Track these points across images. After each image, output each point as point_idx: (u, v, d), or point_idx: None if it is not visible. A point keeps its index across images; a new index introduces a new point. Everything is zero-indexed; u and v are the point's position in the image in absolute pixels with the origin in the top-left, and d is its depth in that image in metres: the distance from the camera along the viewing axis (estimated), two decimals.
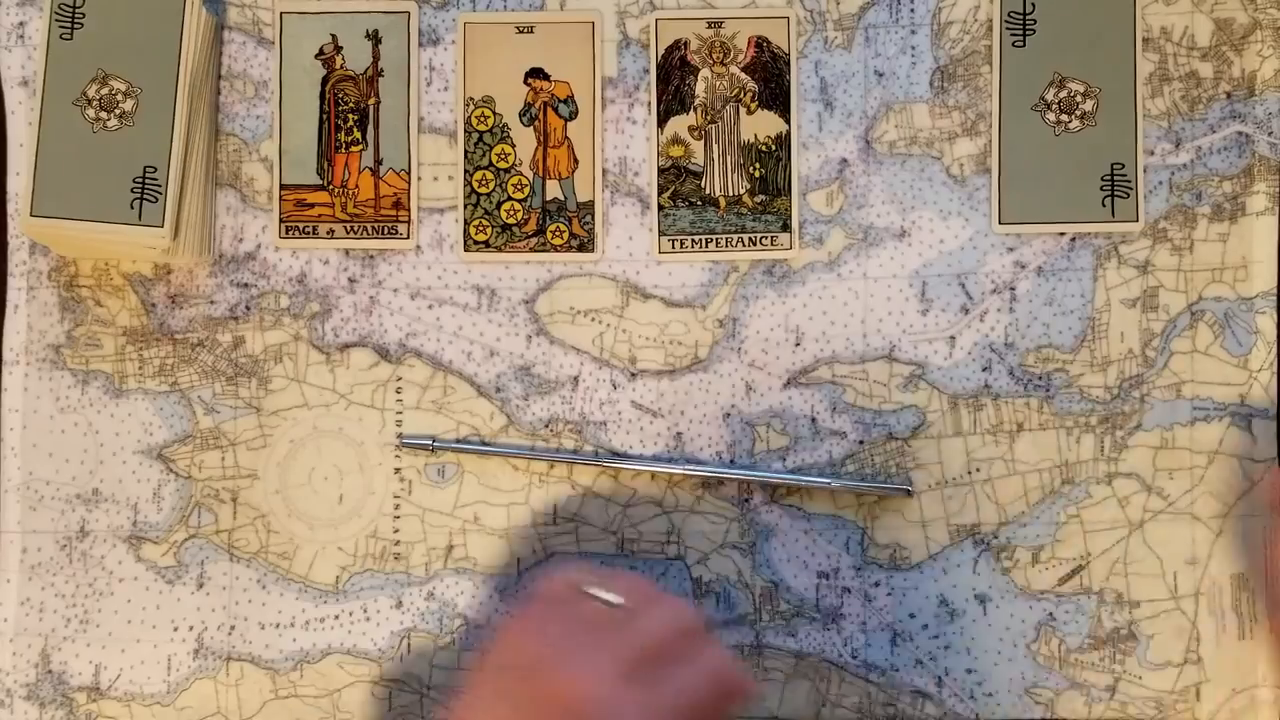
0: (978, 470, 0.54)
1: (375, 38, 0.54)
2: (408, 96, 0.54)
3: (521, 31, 0.54)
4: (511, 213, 0.54)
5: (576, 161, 0.54)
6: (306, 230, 0.54)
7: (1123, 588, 0.53)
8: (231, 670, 0.54)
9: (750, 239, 0.54)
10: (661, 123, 0.54)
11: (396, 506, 0.54)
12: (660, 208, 0.54)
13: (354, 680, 0.54)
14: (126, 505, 0.54)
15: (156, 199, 0.50)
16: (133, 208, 0.50)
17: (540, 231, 0.54)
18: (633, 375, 0.54)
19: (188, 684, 0.54)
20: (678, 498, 0.54)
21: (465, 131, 0.54)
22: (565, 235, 0.54)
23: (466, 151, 0.54)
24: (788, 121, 0.54)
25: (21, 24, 0.55)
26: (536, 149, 0.54)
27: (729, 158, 0.54)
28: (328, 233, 0.54)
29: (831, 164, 0.54)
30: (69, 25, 0.51)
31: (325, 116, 0.54)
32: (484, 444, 0.54)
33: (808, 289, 0.54)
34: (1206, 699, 0.53)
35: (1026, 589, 0.54)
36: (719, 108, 0.54)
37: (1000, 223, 0.54)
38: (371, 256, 0.55)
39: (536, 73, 0.54)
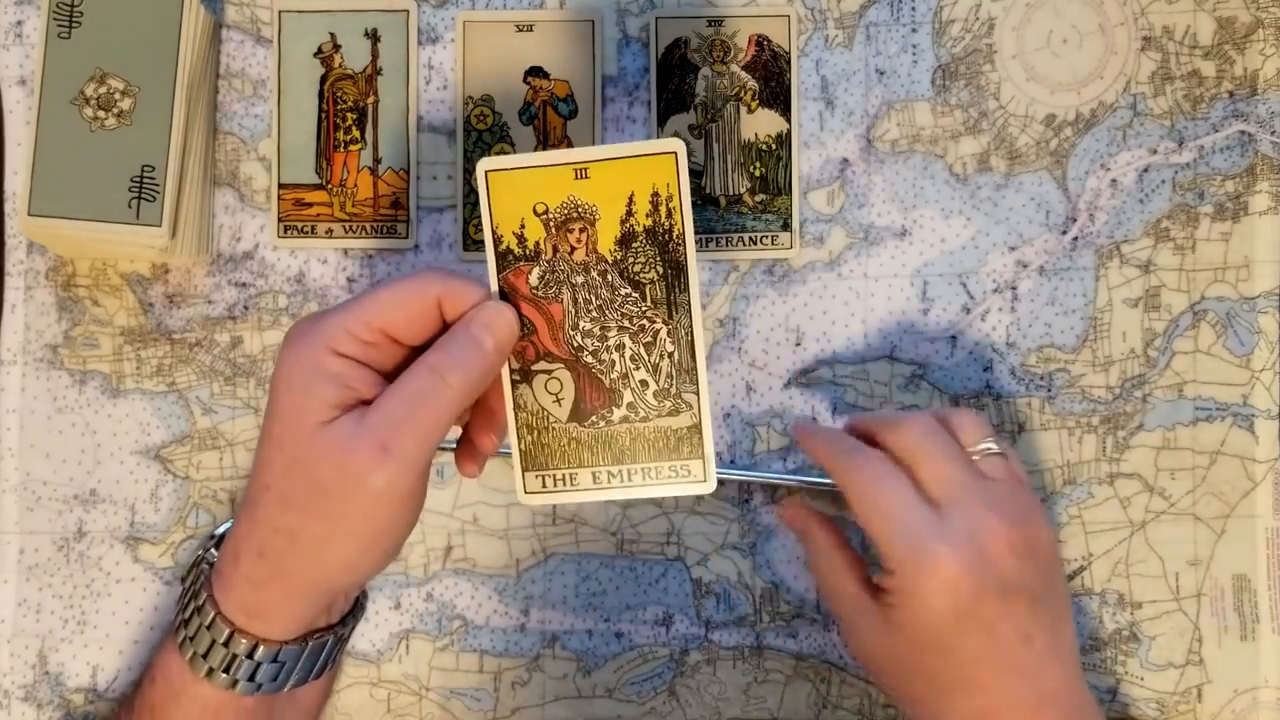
0: None
1: (374, 36, 0.54)
2: (406, 95, 0.54)
3: (521, 30, 0.54)
4: None
5: None
6: (305, 229, 0.54)
7: (1124, 589, 0.53)
8: None
9: (751, 238, 0.54)
10: (661, 121, 0.54)
11: None
12: None
13: (353, 682, 0.53)
14: (124, 506, 0.54)
15: (154, 198, 0.50)
16: (130, 207, 0.50)
17: None
18: None
19: None
20: (677, 499, 0.54)
21: (464, 130, 0.54)
22: None
23: (465, 150, 0.54)
24: (788, 120, 0.54)
25: (19, 23, 0.55)
26: (536, 148, 0.54)
27: (729, 157, 0.54)
28: (326, 232, 0.54)
29: (832, 163, 0.54)
30: (67, 24, 0.51)
31: (324, 115, 0.54)
32: None
33: (808, 288, 0.54)
34: (1208, 700, 0.53)
35: None
36: (719, 106, 0.54)
37: None
38: (370, 256, 0.54)
39: (536, 71, 0.54)
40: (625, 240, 0.40)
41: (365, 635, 0.53)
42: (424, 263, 0.54)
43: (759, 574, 0.53)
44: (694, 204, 0.54)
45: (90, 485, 0.54)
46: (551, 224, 0.40)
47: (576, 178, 0.39)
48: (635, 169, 0.39)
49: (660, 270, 0.40)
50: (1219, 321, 0.54)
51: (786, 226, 0.54)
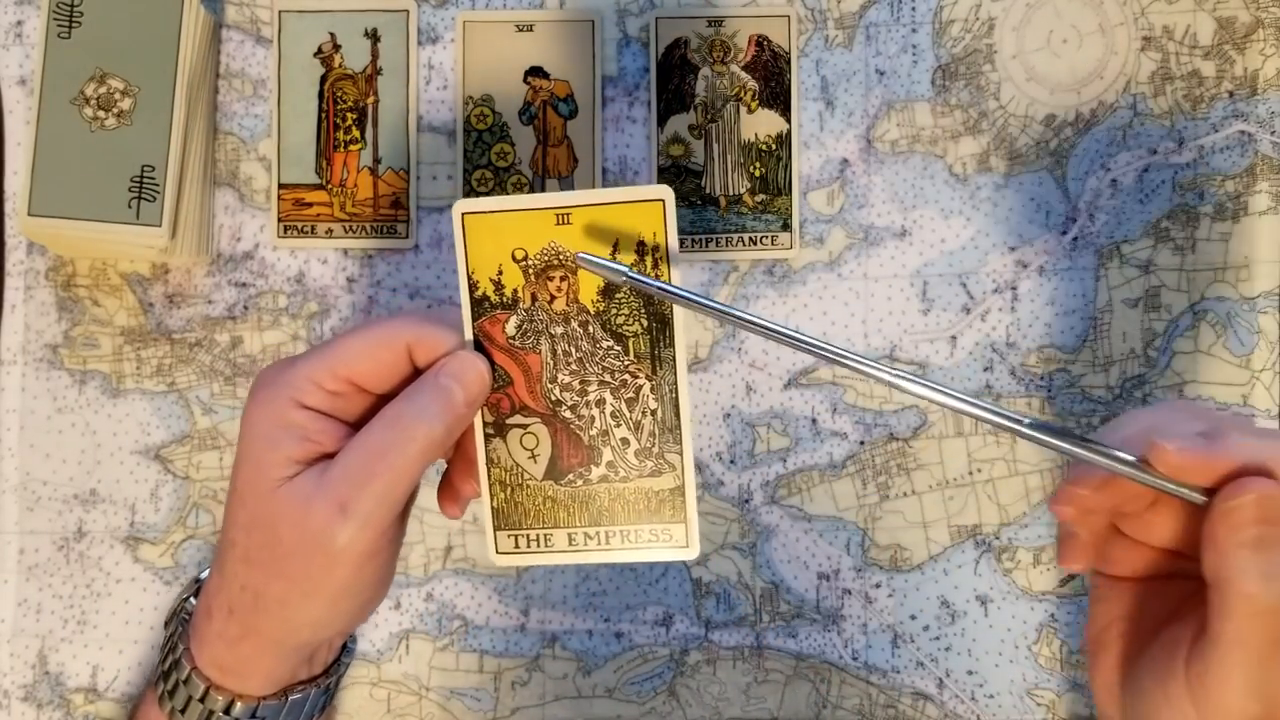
0: (979, 471, 0.54)
1: (374, 36, 0.54)
2: (406, 95, 0.54)
3: (521, 30, 0.54)
4: None
5: (576, 160, 0.54)
6: (305, 229, 0.54)
7: None
8: None
9: (751, 239, 0.54)
10: (661, 121, 0.54)
11: None
12: None
13: (353, 682, 0.53)
14: (124, 506, 0.54)
15: (154, 198, 0.50)
16: (130, 207, 0.50)
17: None
18: None
19: None
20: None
21: (464, 130, 0.54)
22: None
23: (465, 150, 0.54)
24: (788, 120, 0.54)
25: (19, 22, 0.55)
26: (536, 148, 0.54)
27: (729, 157, 0.54)
28: (326, 232, 0.54)
29: (832, 163, 0.54)
30: (67, 24, 0.51)
31: (324, 115, 0.54)
32: None
33: (808, 289, 0.54)
34: None
35: (1028, 590, 0.53)
36: (719, 106, 0.54)
37: None
38: (370, 256, 0.54)
39: (536, 71, 0.54)
40: (608, 290, 0.38)
41: (365, 635, 0.53)
42: (424, 262, 0.54)
43: (759, 574, 0.53)
44: (694, 204, 0.54)
45: (90, 485, 0.54)
46: (531, 271, 0.37)
47: (558, 223, 0.37)
48: (620, 215, 0.37)
49: (644, 323, 0.38)
50: (1219, 321, 0.54)
51: (786, 227, 0.54)
